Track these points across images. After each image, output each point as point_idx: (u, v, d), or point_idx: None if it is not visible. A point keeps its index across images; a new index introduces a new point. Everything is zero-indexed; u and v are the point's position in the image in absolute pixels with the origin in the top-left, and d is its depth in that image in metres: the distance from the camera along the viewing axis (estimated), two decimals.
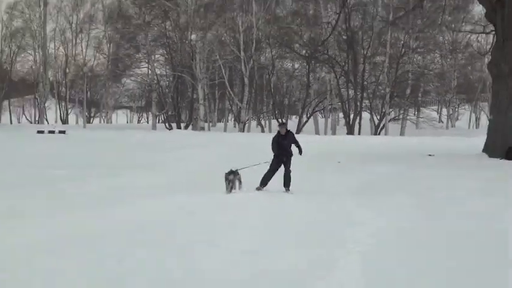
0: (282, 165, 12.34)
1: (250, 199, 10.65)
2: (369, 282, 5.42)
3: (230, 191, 11.52)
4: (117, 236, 6.96)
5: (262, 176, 12.28)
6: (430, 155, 22.55)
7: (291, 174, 12.25)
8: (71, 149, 21.18)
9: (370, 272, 5.71)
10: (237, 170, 11.72)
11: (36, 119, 72.65)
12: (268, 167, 12.38)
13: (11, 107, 75.07)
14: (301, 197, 11.10)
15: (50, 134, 35.56)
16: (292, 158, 12.44)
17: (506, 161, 20.07)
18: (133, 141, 28.10)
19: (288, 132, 12.59)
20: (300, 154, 12.57)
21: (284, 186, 12.16)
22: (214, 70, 52.54)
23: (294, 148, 12.49)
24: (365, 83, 49.81)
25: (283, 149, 12.27)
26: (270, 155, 12.54)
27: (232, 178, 11.57)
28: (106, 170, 14.17)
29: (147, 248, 6.36)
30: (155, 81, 53.06)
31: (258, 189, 12.23)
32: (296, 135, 12.96)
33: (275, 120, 53.07)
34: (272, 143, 12.42)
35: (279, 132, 12.52)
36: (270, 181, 12.24)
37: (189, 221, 8.15)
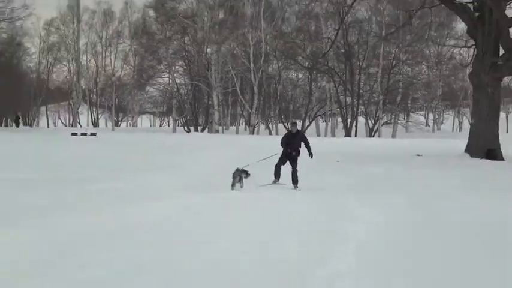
0: (289, 162, 12.36)
1: (259, 198, 10.42)
2: (367, 277, 5.27)
3: (238, 188, 11.37)
4: (134, 236, 6.76)
5: (274, 167, 12.50)
6: (418, 155, 22.51)
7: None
8: (101, 152, 20.95)
9: (369, 268, 5.55)
10: (247, 170, 11.56)
11: (70, 122, 73.02)
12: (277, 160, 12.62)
13: (48, 112, 75.50)
14: (306, 197, 10.94)
15: (83, 136, 35.35)
16: (298, 158, 12.42)
17: (486, 161, 20.54)
18: (156, 144, 27.91)
19: (298, 131, 12.69)
20: (310, 157, 12.54)
21: (292, 183, 12.18)
22: (227, 79, 52.53)
23: (302, 149, 12.47)
24: (360, 91, 49.85)
25: (292, 147, 12.31)
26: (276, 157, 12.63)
27: (244, 176, 11.45)
28: (131, 172, 13.97)
29: (164, 248, 6.19)
30: (175, 89, 53.48)
31: (274, 181, 12.46)
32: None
33: (281, 124, 53.04)
34: (282, 139, 12.60)
35: (290, 131, 12.71)
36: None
37: (203, 221, 7.98)
